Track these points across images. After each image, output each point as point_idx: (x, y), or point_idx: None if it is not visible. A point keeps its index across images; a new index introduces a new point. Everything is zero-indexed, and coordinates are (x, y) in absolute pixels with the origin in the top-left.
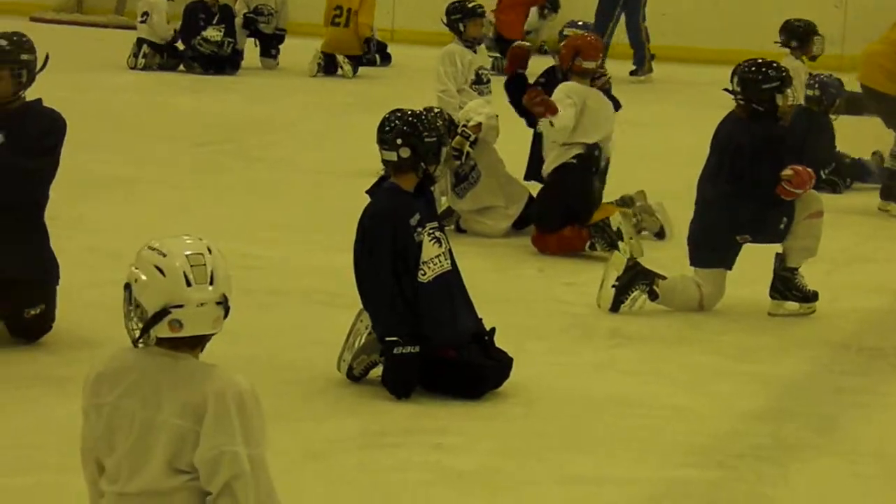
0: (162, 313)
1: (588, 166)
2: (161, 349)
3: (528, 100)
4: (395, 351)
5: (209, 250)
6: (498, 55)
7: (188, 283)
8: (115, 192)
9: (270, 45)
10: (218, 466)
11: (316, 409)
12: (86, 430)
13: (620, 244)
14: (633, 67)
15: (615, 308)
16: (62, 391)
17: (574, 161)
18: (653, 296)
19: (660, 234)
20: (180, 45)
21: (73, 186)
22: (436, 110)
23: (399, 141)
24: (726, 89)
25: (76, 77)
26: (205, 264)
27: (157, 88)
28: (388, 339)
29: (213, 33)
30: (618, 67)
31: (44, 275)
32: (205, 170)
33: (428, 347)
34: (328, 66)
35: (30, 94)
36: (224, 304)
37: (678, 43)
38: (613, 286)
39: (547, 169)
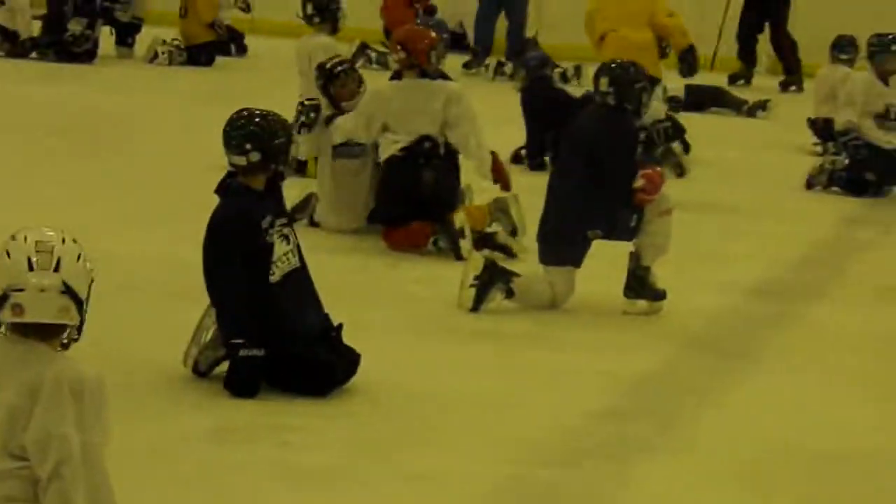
0: (4, 296)
1: (415, 158)
2: (13, 336)
3: None
4: (240, 353)
5: (63, 241)
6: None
7: (30, 268)
8: None
9: (127, 34)
10: (47, 448)
11: (161, 406)
12: None
13: (461, 242)
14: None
15: (476, 307)
16: None
17: (400, 153)
18: (509, 294)
19: (513, 232)
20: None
21: None
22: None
23: (248, 146)
24: (597, 91)
25: None
26: (51, 251)
27: (8, 76)
28: (233, 341)
29: (75, 27)
30: None
31: None
32: (58, 162)
33: (275, 344)
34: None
35: None
36: (70, 293)
37: None
38: (472, 285)
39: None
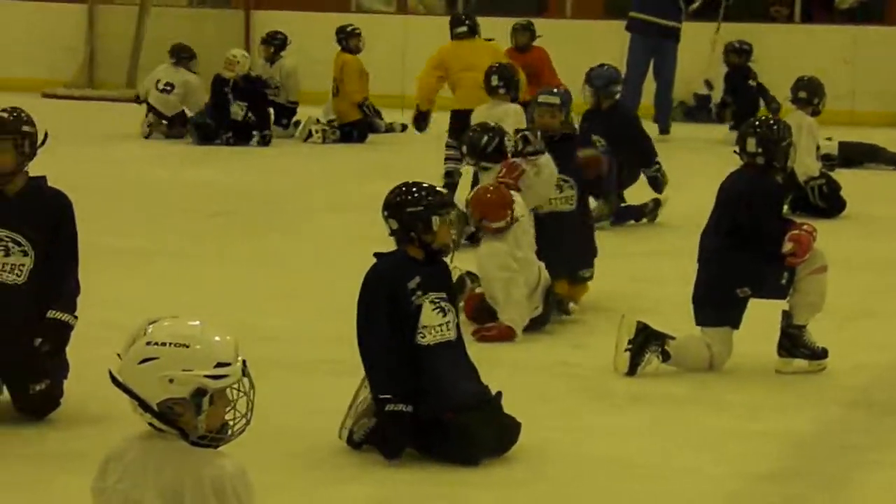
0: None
1: None
2: (155, 431)
3: None
4: (387, 408)
5: (149, 342)
6: None
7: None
8: (126, 264)
9: (282, 115)
10: None
11: (318, 478)
12: None
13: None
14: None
15: (632, 371)
16: (72, 468)
17: None
18: (665, 357)
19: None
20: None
21: (83, 258)
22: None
23: (386, 213)
24: (738, 151)
25: (88, 150)
26: (127, 347)
27: (168, 160)
28: (381, 396)
29: (237, 110)
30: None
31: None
32: (217, 240)
33: (427, 411)
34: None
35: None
36: (123, 388)
37: None
38: (627, 349)
39: None
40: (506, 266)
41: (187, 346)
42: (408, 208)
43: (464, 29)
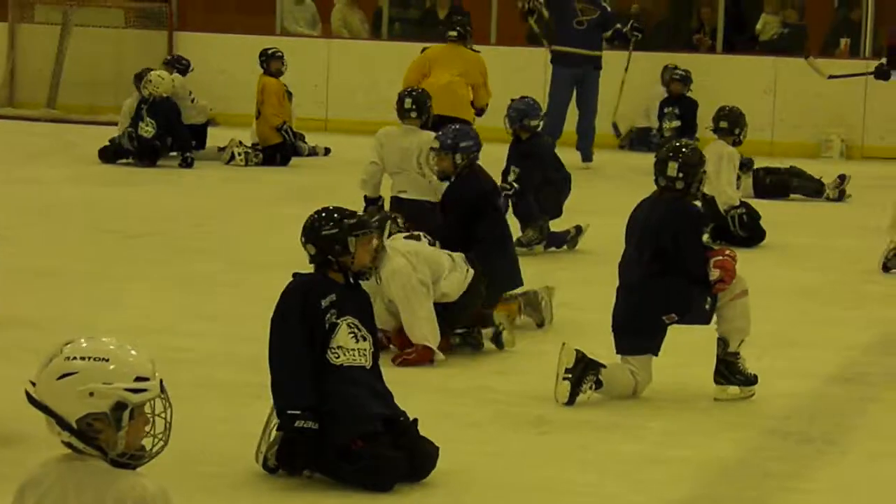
0: None
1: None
2: (74, 453)
3: None
4: (296, 424)
5: (68, 357)
6: None
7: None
8: (45, 286)
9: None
10: None
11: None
12: None
13: (504, 334)
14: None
15: (571, 401)
16: None
17: None
18: (598, 385)
19: (540, 325)
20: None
21: (2, 279)
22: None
23: (303, 239)
24: (663, 176)
25: (8, 169)
26: (45, 363)
27: (88, 180)
28: (289, 412)
29: (144, 127)
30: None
31: None
32: (137, 262)
33: (335, 435)
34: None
35: None
36: (39, 406)
37: None
38: (566, 378)
39: None
40: (407, 284)
41: (107, 360)
42: (323, 231)
43: (454, 34)
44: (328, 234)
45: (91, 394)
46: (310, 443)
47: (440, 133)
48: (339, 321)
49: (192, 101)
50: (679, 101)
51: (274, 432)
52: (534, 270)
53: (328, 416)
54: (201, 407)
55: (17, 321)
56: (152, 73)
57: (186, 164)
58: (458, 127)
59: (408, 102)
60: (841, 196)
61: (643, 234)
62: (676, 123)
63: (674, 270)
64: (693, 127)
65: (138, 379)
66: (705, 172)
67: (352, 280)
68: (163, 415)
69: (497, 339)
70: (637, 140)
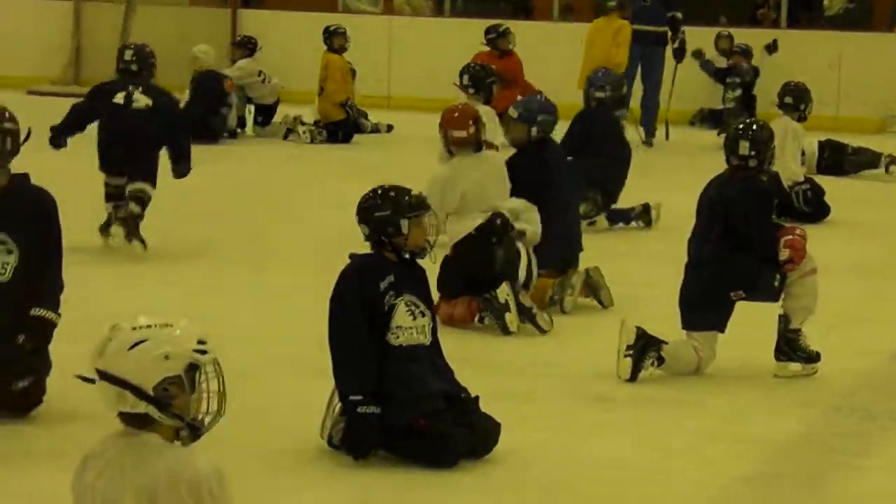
0: None
1: (488, 237)
2: (128, 428)
3: None
4: (358, 410)
5: (134, 327)
6: None
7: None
8: (106, 263)
9: (258, 113)
10: None
11: (298, 480)
12: None
13: (507, 315)
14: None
15: (634, 377)
16: (53, 466)
17: (474, 232)
18: (660, 362)
19: (603, 305)
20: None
21: (66, 256)
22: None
23: (357, 218)
24: (734, 155)
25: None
26: (106, 339)
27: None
28: (351, 397)
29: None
30: None
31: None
32: (197, 241)
33: (397, 415)
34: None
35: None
36: (110, 379)
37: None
38: (627, 355)
39: (451, 242)
40: (436, 191)
41: (171, 326)
42: (376, 213)
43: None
44: (380, 216)
45: (166, 357)
46: (373, 427)
47: (522, 101)
48: (397, 301)
49: (263, 80)
50: (738, 71)
51: (337, 408)
52: (598, 245)
53: (390, 397)
54: (266, 384)
55: (84, 300)
56: (195, 48)
57: (232, 137)
58: (541, 99)
59: (465, 79)
60: (886, 169)
61: (713, 211)
62: (738, 93)
63: (744, 247)
64: (752, 98)
65: (200, 342)
66: (775, 147)
67: (407, 257)
68: (220, 386)
69: (533, 322)
70: (706, 118)
